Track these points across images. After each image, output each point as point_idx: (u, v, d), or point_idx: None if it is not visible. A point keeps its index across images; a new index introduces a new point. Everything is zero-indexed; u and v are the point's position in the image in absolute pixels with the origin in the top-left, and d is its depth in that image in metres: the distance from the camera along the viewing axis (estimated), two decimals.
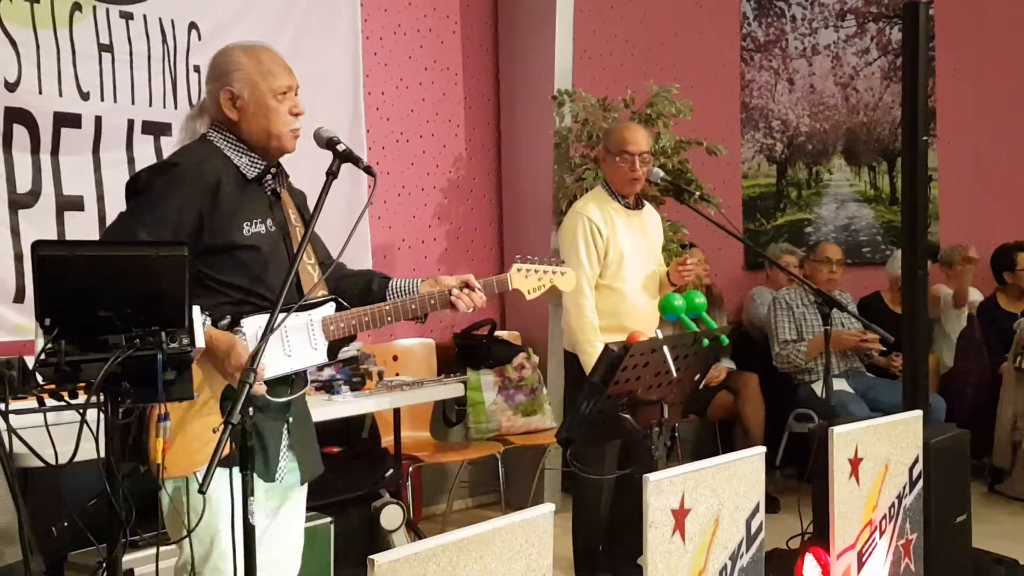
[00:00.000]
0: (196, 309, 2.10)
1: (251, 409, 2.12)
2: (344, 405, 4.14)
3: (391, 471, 4.49)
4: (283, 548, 2.61)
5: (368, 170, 2.47)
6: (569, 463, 3.23)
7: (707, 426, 6.01)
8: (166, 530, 2.33)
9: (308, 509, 2.98)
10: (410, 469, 4.85)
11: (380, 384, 4.41)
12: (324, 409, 4.03)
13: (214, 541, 2.33)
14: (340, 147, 2.46)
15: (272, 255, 2.44)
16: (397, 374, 4.96)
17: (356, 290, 2.58)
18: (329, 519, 3.88)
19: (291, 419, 2.48)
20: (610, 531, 3.94)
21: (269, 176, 2.49)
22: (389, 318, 2.51)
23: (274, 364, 2.34)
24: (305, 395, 2.63)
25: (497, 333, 5.54)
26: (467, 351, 5.37)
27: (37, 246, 1.92)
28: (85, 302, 1.96)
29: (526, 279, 2.70)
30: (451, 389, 4.64)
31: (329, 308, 2.47)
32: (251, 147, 2.48)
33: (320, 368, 4.32)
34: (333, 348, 2.48)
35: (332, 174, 2.44)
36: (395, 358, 5.22)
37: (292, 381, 2.46)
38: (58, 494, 3.42)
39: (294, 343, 2.38)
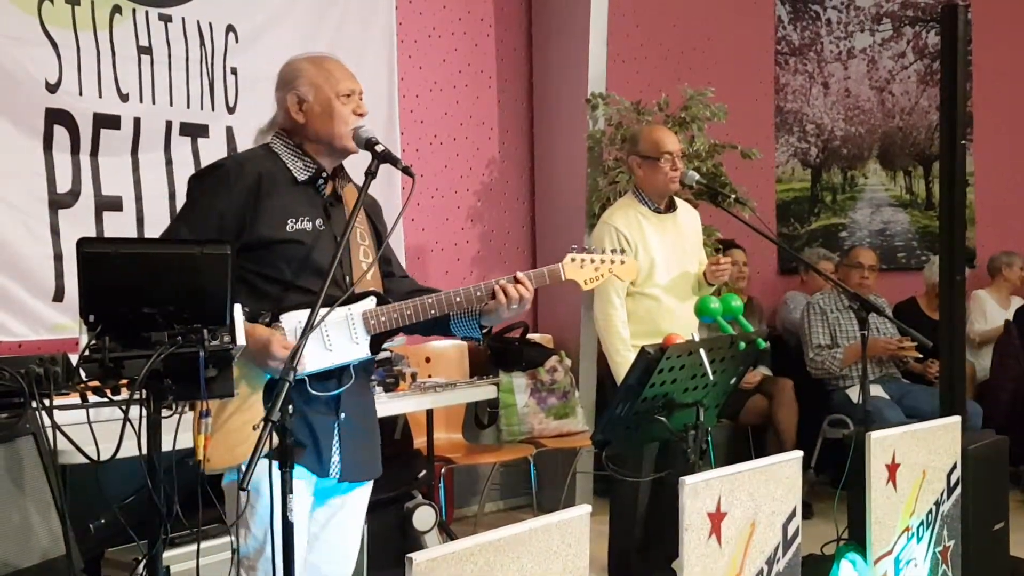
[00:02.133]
0: (238, 307, 2.12)
1: (291, 406, 2.12)
2: (378, 406, 4.12)
3: (423, 472, 4.50)
4: (333, 548, 2.61)
5: (407, 171, 2.48)
6: (605, 465, 3.22)
7: (740, 430, 5.98)
8: (207, 526, 2.34)
9: None
10: (442, 471, 4.86)
11: (413, 385, 4.42)
12: None
13: (267, 534, 2.34)
14: (379, 147, 2.48)
15: (317, 251, 2.45)
16: (430, 375, 4.97)
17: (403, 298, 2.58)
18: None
19: (343, 415, 2.48)
20: (645, 534, 3.92)
21: (322, 179, 2.52)
22: (433, 311, 2.47)
23: (315, 359, 2.34)
24: (367, 397, 2.64)
25: (529, 336, 5.54)
26: (499, 353, 5.37)
27: (82, 243, 1.95)
28: (128, 299, 1.98)
29: (581, 269, 2.60)
30: (483, 391, 4.65)
31: (370, 302, 2.47)
32: (312, 150, 2.53)
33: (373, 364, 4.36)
34: (376, 342, 2.47)
35: (371, 174, 2.46)
36: (428, 360, 5.23)
37: (339, 376, 2.45)
38: (96, 490, 3.46)
39: (334, 337, 2.38)
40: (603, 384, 4.02)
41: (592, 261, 2.61)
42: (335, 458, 2.48)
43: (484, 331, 2.61)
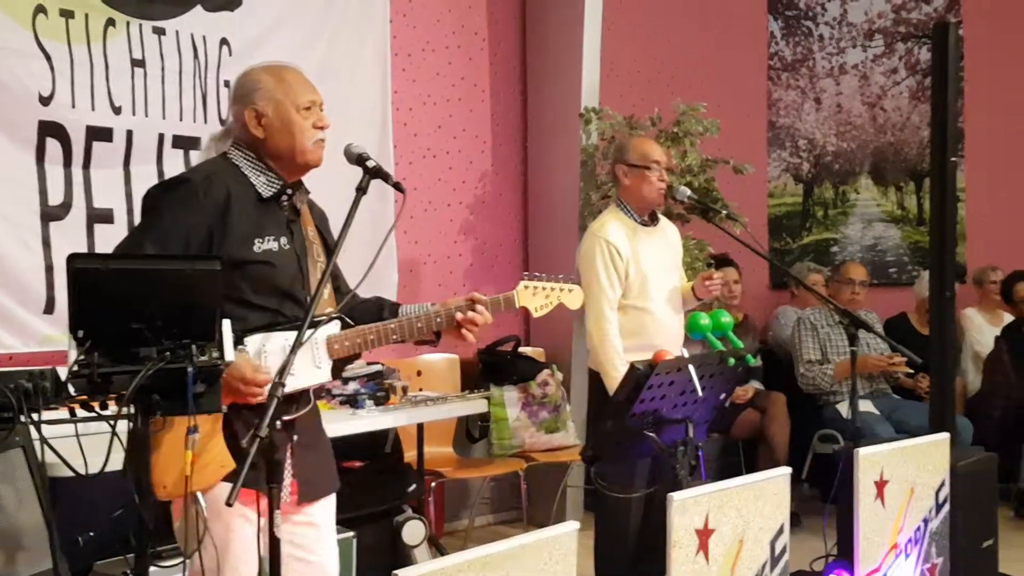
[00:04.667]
0: (227, 323, 2.11)
1: (278, 423, 2.12)
2: (368, 420, 4.15)
3: (413, 486, 4.50)
4: (313, 567, 2.59)
5: (398, 186, 2.48)
6: (593, 481, 3.22)
7: (732, 444, 5.98)
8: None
9: None
10: (432, 485, 4.85)
11: (404, 399, 4.42)
12: (348, 423, 4.05)
13: (224, 555, 2.33)
14: (370, 163, 2.47)
15: (285, 272, 2.44)
16: (421, 389, 4.96)
17: (368, 317, 2.56)
18: (352, 533, 3.89)
19: (295, 437, 2.47)
20: (637, 550, 3.91)
21: (286, 196, 2.49)
22: (395, 336, 2.49)
23: None
24: (315, 415, 2.60)
25: (521, 349, 5.55)
26: (491, 367, 5.38)
27: (72, 259, 1.95)
28: (118, 314, 1.98)
29: (533, 296, 2.64)
30: (474, 405, 4.64)
31: (334, 326, 2.46)
32: (274, 165, 2.49)
33: (344, 383, 4.35)
34: (337, 367, 2.47)
35: (362, 190, 2.44)
36: (419, 373, 5.23)
37: (297, 400, 2.45)
38: (85, 504, 3.46)
39: (298, 362, 2.34)
40: (592, 398, 3.99)
41: (543, 288, 2.65)
42: (288, 480, 2.45)
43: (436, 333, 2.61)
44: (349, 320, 2.49)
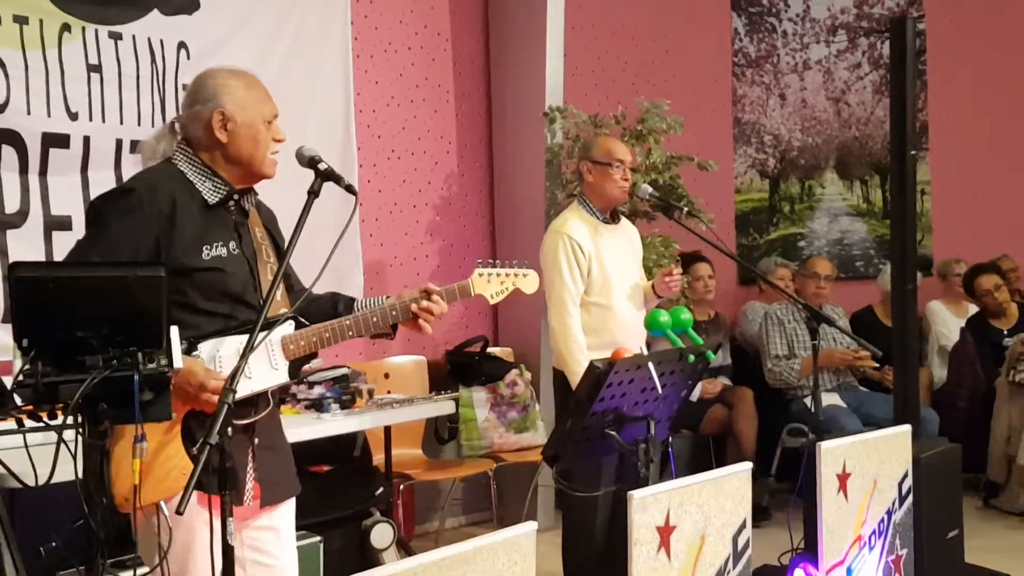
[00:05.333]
0: (175, 330, 2.09)
1: (229, 429, 2.11)
2: (333, 423, 4.12)
3: (381, 489, 4.48)
4: (274, 572, 2.57)
5: (350, 189, 2.46)
6: (556, 481, 3.21)
7: (702, 440, 5.99)
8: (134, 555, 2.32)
9: (297, 527, 2.95)
10: (401, 487, 4.83)
11: (370, 402, 4.40)
12: (313, 427, 4.02)
13: (187, 564, 2.31)
14: (322, 166, 2.46)
15: (235, 277, 2.42)
16: (389, 391, 4.95)
17: (323, 315, 2.55)
18: (318, 538, 3.87)
19: (256, 440, 2.46)
20: (604, 549, 3.91)
21: (232, 201, 2.48)
22: (351, 332, 2.49)
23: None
24: (275, 417, 2.59)
25: (489, 350, 5.54)
26: (459, 368, 5.36)
27: (14, 268, 1.92)
28: (62, 323, 1.95)
29: (488, 283, 2.65)
30: (441, 407, 4.63)
31: (288, 327, 2.45)
32: (226, 170, 2.46)
33: (298, 384, 4.33)
34: (294, 367, 2.46)
35: (313, 193, 2.44)
36: (387, 375, 5.22)
37: (256, 403, 2.43)
38: (45, 514, 3.42)
39: (254, 364, 2.34)
40: (558, 398, 3.99)
41: (498, 275, 2.66)
42: (250, 484, 2.45)
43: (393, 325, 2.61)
44: (303, 320, 2.48)
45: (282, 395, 4.15)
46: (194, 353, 2.31)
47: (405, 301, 2.54)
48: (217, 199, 2.44)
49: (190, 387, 2.28)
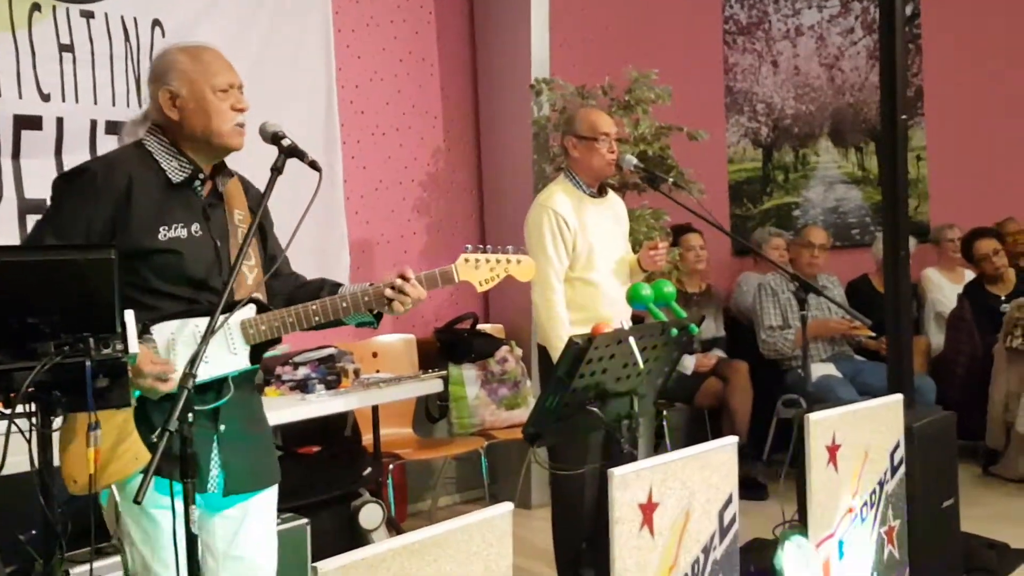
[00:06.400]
0: (129, 314, 2.03)
1: (190, 415, 2.04)
2: (318, 404, 4.07)
3: (369, 469, 4.43)
4: (244, 565, 2.52)
5: (314, 165, 2.38)
6: (534, 458, 3.16)
7: (697, 413, 5.95)
8: (105, 543, 2.27)
9: (284, 510, 2.88)
10: (391, 467, 4.79)
11: (356, 382, 4.34)
12: (298, 409, 3.98)
13: (154, 550, 2.26)
14: (285, 142, 2.39)
15: (196, 259, 2.35)
16: (378, 371, 4.90)
17: (307, 299, 2.46)
18: (305, 520, 3.82)
19: (223, 427, 2.39)
20: (595, 524, 3.87)
21: (198, 180, 2.41)
22: (317, 318, 2.39)
23: None
24: (249, 404, 2.51)
25: (479, 326, 5.48)
26: (448, 345, 5.30)
27: None
28: (11, 309, 1.90)
29: (476, 270, 2.52)
30: (429, 385, 4.57)
31: (249, 311, 2.37)
32: (190, 148, 2.41)
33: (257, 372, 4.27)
34: (256, 352, 2.38)
35: (277, 170, 2.37)
36: (375, 355, 5.16)
37: (219, 387, 2.36)
38: (25, 503, 3.37)
39: (211, 349, 2.26)
40: (543, 374, 3.94)
41: (488, 261, 2.52)
42: (214, 472, 2.38)
43: (376, 314, 2.52)
44: (265, 303, 2.41)
45: (264, 380, 4.14)
46: (145, 336, 2.24)
47: (379, 287, 2.44)
48: (182, 178, 2.39)
49: (138, 377, 2.20)
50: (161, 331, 2.28)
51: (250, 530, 2.49)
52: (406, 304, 2.44)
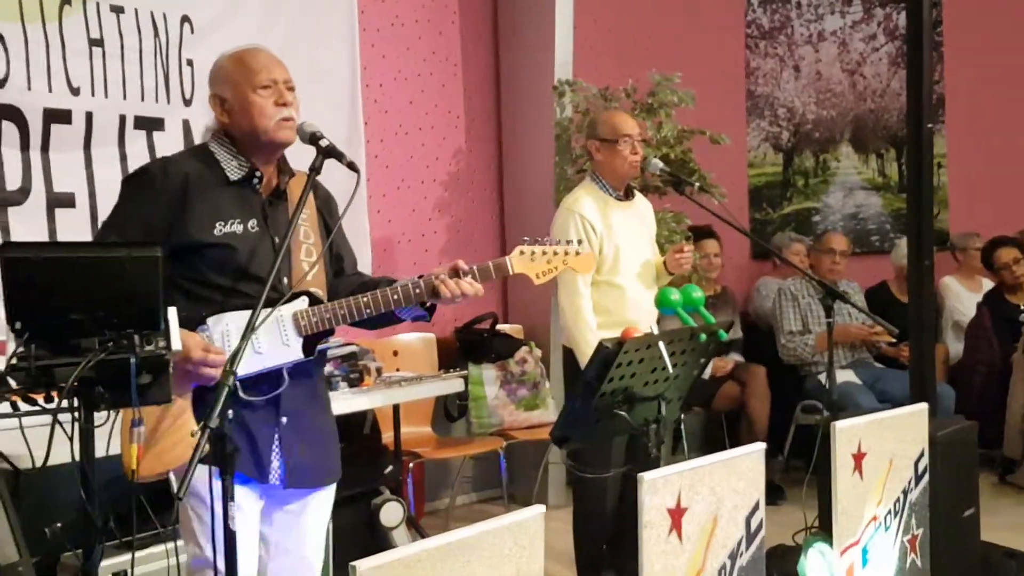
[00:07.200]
0: (172, 311, 2.05)
1: (230, 412, 2.06)
2: (342, 402, 4.07)
3: (390, 467, 4.44)
4: (294, 556, 2.53)
5: (352, 166, 2.40)
6: (564, 462, 3.17)
7: (714, 418, 5.95)
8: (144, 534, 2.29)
9: None
10: (411, 465, 4.80)
11: (378, 380, 4.35)
12: None
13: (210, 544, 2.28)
14: (323, 142, 2.41)
15: (252, 254, 2.39)
16: (398, 369, 4.91)
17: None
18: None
19: (284, 419, 2.41)
20: (617, 528, 3.88)
21: (256, 178, 2.46)
22: (368, 310, 2.39)
23: (243, 362, 2.24)
24: (313, 398, 2.53)
25: (499, 327, 5.48)
26: (468, 345, 5.32)
27: (4, 248, 1.89)
28: (55, 305, 1.91)
29: (532, 262, 2.47)
30: (450, 385, 4.58)
31: (301, 303, 2.39)
32: (246, 148, 2.47)
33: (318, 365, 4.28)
34: (309, 343, 2.40)
35: (315, 170, 2.40)
36: (395, 353, 5.17)
37: (276, 379, 2.38)
38: (51, 495, 3.39)
39: (263, 340, 2.30)
40: (567, 376, 3.94)
41: (544, 253, 2.48)
42: (275, 463, 2.41)
43: (429, 306, 2.52)
44: (319, 296, 2.43)
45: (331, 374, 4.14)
46: (201, 328, 2.27)
47: (429, 278, 2.43)
48: (239, 176, 2.45)
49: (190, 365, 2.24)
50: (217, 322, 2.33)
51: (306, 526, 2.52)
52: (459, 300, 2.43)
